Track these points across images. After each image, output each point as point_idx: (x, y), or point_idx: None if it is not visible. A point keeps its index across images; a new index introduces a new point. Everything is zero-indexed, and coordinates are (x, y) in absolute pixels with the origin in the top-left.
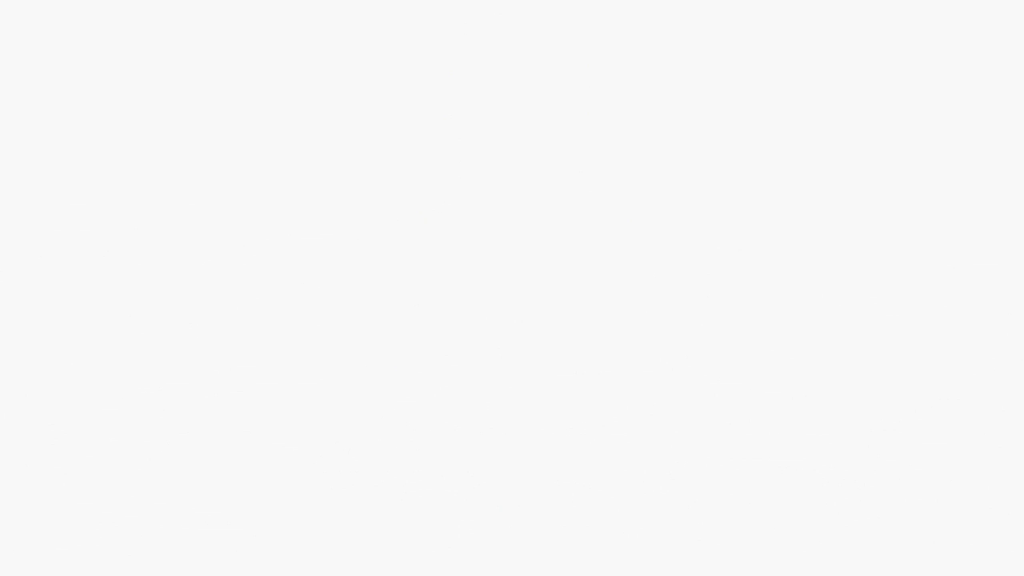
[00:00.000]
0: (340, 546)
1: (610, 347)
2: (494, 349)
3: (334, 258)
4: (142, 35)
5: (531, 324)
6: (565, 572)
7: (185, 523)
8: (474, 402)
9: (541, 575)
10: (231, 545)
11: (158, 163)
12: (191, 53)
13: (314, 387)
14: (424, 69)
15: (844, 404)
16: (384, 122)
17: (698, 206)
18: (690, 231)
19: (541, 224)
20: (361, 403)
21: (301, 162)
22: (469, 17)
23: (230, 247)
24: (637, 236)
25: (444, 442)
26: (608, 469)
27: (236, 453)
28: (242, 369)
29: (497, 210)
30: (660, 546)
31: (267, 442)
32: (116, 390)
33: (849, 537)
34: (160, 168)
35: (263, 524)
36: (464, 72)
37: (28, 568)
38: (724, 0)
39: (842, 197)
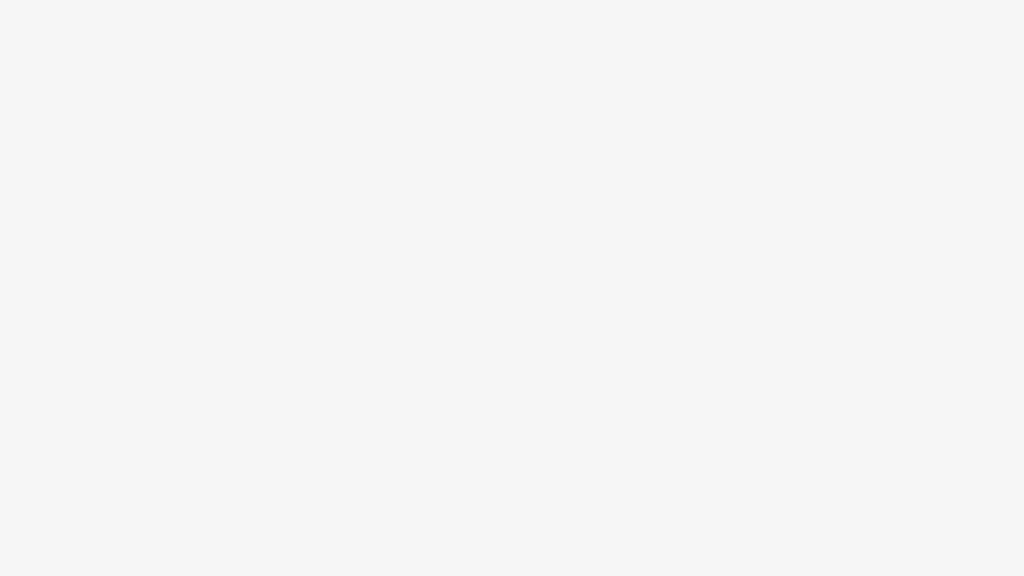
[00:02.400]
0: (340, 545)
1: (609, 346)
2: (493, 349)
3: (334, 257)
4: (142, 35)
5: (530, 323)
6: (565, 571)
7: (184, 522)
8: (473, 401)
9: (540, 574)
10: (230, 544)
11: (158, 163)
12: (191, 53)
13: (313, 385)
14: (424, 69)
15: (844, 403)
16: (385, 122)
17: (698, 205)
18: (689, 230)
19: (540, 224)
20: (360, 402)
21: (301, 162)
22: (469, 17)
23: (229, 247)
24: (636, 235)
25: (443, 441)
26: (607, 468)
27: (235, 451)
28: (240, 368)
29: (497, 210)
30: (660, 546)
31: (266, 440)
32: (115, 388)
33: (849, 537)
34: (160, 168)
35: (262, 523)
36: (464, 72)
37: (28, 568)
38: (724, 1)
39: (841, 196)
